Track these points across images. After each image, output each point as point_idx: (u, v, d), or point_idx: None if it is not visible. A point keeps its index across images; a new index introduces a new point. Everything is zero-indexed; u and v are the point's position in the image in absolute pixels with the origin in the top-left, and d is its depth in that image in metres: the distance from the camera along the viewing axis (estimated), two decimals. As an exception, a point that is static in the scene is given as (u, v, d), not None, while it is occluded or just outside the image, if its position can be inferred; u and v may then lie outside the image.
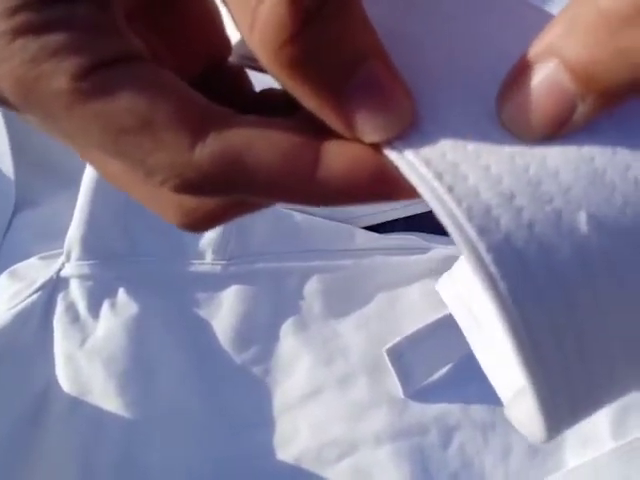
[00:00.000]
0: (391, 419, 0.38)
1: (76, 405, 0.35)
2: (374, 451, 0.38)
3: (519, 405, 0.20)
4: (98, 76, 0.16)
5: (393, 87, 0.15)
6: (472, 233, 0.14)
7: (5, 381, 0.34)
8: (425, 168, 0.15)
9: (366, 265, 0.39)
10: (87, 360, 0.36)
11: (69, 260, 0.36)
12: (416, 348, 0.38)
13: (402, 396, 0.38)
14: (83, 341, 0.36)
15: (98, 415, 0.35)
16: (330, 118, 0.16)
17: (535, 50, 0.15)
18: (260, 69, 0.17)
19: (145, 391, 0.36)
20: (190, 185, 0.16)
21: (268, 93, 0.20)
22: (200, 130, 0.16)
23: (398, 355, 0.37)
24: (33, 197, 0.40)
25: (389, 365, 0.37)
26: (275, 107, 0.18)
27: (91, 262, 0.36)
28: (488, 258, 0.14)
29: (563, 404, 0.16)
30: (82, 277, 0.36)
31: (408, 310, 0.40)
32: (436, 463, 0.38)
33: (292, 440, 0.38)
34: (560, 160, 0.15)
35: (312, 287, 0.39)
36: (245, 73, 0.21)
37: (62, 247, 0.37)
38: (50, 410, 0.35)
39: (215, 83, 0.20)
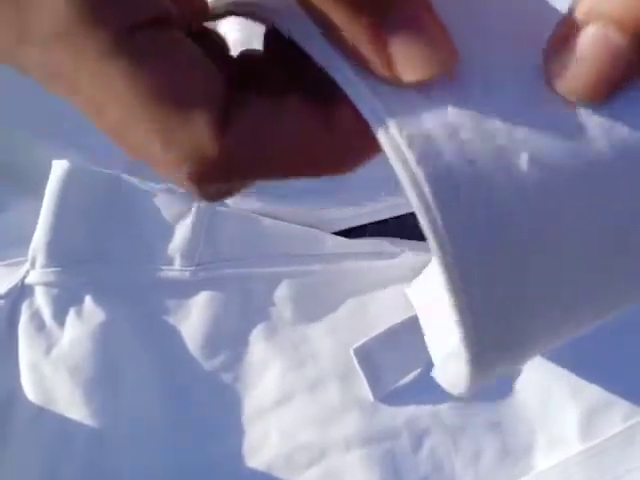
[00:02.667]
0: (362, 424, 0.38)
1: (41, 414, 0.35)
2: (345, 456, 0.37)
3: (450, 366, 0.21)
4: (143, 35, 0.15)
5: (435, 27, 0.15)
6: (412, 160, 0.14)
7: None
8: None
9: (336, 270, 0.39)
10: (52, 369, 0.35)
11: (34, 267, 0.36)
12: (384, 349, 0.38)
13: (372, 400, 0.38)
14: (48, 349, 0.35)
15: (63, 424, 0.35)
16: (368, 51, 0.15)
17: (578, 13, 0.15)
18: (250, 14, 0.17)
19: (112, 399, 0.35)
20: (209, 169, 0.16)
21: (248, 55, 0.19)
22: (226, 111, 0.15)
23: (366, 356, 0.37)
24: (-3, 203, 0.39)
25: (357, 366, 0.37)
26: (254, 69, 0.18)
27: (56, 269, 0.36)
28: (427, 188, 0.14)
29: (488, 335, 0.16)
30: (47, 284, 0.36)
31: (378, 315, 0.40)
32: (407, 467, 0.38)
33: (262, 446, 0.37)
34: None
35: (282, 293, 0.39)
36: (220, 36, 0.19)
37: (27, 254, 0.36)
38: (14, 420, 0.35)
39: None
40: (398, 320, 0.38)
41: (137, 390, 0.36)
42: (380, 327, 0.39)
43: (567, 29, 0.15)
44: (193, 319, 0.38)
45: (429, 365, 0.39)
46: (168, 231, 0.37)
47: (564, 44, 0.15)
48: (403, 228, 0.42)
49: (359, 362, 0.38)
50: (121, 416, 0.36)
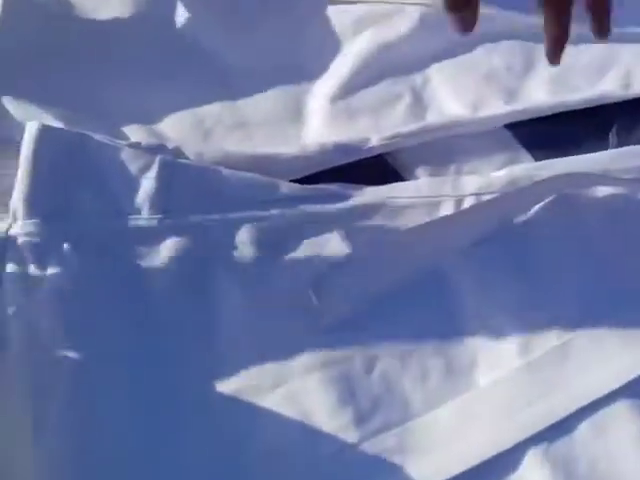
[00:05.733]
0: (319, 350, 0.42)
1: (28, 350, 0.39)
2: (305, 379, 0.41)
3: None
4: None
5: None
6: None
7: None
8: None
9: (292, 214, 0.43)
10: (37, 310, 0.39)
11: (16, 220, 0.40)
12: (338, 281, 0.41)
13: (328, 328, 0.42)
14: (32, 293, 0.39)
15: (49, 358, 0.39)
16: None
17: None
18: None
19: (91, 337, 0.39)
20: None
21: None
22: None
23: (321, 288, 0.41)
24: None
25: (312, 298, 0.41)
26: None
27: (35, 221, 0.40)
28: None
29: None
30: (28, 235, 0.40)
31: (334, 253, 0.43)
32: (361, 388, 0.42)
33: (230, 374, 0.41)
34: None
35: (242, 237, 0.43)
36: None
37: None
38: (3, 355, 0.39)
39: None
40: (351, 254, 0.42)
41: (113, 328, 0.40)
42: (335, 262, 0.43)
43: None
44: (162, 263, 0.42)
45: (380, 296, 0.43)
46: (135, 183, 0.41)
47: None
48: (357, 174, 0.46)
49: (315, 294, 0.42)
50: (100, 350, 0.39)
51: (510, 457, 0.40)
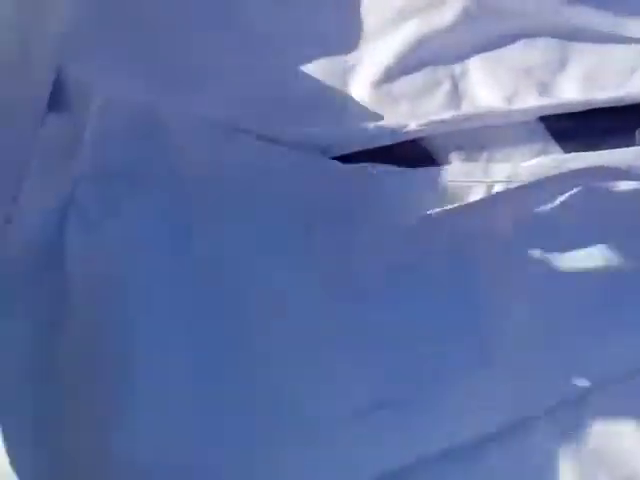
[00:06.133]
0: (343, 320, 0.45)
1: (90, 301, 0.42)
2: (330, 344, 0.45)
3: None
4: None
5: None
6: None
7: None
8: None
9: (330, 190, 0.46)
10: (99, 262, 0.43)
11: (83, 174, 0.43)
12: (367, 257, 0.45)
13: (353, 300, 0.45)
14: (95, 246, 0.43)
15: (109, 309, 0.42)
16: None
17: None
18: None
19: (151, 289, 0.43)
20: None
21: None
22: None
23: (350, 263, 0.45)
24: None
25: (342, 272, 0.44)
26: None
27: (99, 177, 0.43)
28: None
29: None
30: (92, 190, 0.43)
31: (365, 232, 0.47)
32: (379, 357, 0.44)
33: (264, 337, 0.44)
34: None
35: (285, 209, 0.46)
36: None
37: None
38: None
39: None
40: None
41: (169, 283, 0.44)
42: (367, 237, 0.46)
43: None
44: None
45: (405, 272, 0.46)
46: (187, 152, 0.44)
47: None
48: (392, 155, 0.49)
49: (344, 266, 0.45)
50: (158, 304, 0.43)
51: (523, 427, 0.43)
